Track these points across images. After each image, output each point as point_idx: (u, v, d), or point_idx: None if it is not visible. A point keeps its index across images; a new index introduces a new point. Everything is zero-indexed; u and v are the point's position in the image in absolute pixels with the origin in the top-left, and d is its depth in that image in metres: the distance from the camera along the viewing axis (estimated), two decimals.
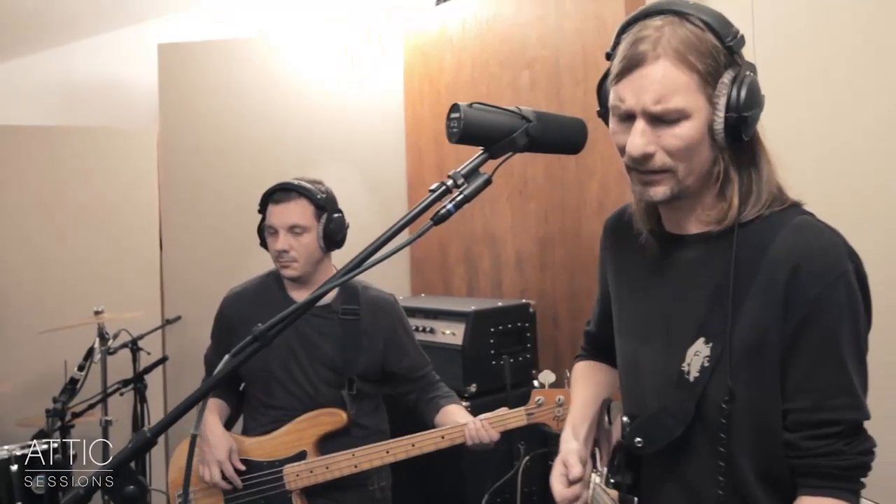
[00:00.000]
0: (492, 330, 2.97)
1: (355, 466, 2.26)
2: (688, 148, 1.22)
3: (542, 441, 2.70)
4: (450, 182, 1.24)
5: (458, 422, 2.29)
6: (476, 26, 3.69)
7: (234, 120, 3.92)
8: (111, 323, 3.44)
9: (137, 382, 3.33)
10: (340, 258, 2.51)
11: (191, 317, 3.90)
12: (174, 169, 3.97)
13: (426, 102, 4.00)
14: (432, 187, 1.25)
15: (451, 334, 2.96)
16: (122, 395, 3.31)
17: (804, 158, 1.88)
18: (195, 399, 1.16)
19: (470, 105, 1.25)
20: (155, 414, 3.62)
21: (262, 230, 2.44)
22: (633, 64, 1.21)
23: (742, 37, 1.25)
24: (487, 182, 1.26)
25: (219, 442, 2.31)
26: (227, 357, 1.16)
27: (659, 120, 1.22)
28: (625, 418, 1.43)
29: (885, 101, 1.84)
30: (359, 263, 1.20)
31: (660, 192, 1.27)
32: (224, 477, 2.28)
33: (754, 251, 1.25)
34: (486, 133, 1.25)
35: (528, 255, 3.45)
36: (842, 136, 1.95)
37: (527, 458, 2.68)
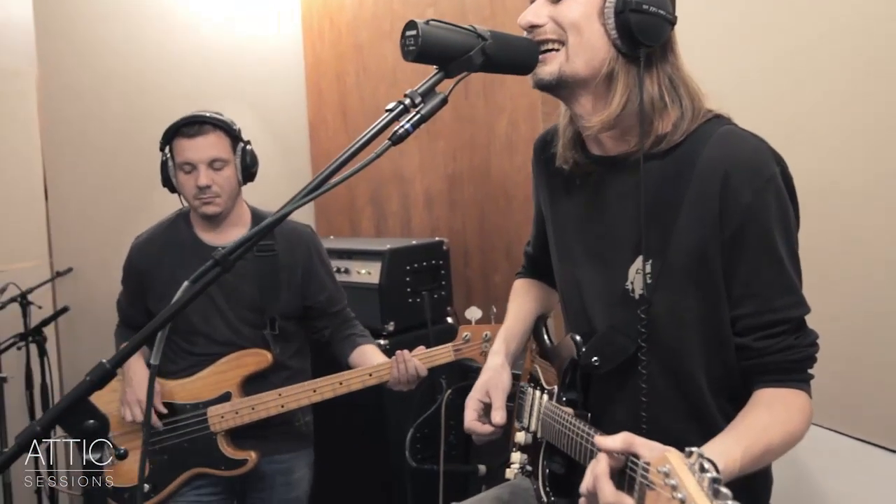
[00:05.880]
0: (407, 268, 2.97)
1: (282, 406, 2.23)
2: (574, 22, 1.30)
3: (463, 375, 2.73)
4: (407, 101, 1.22)
5: (376, 361, 2.30)
6: None
7: (121, 58, 3.69)
8: None
9: (36, 335, 3.16)
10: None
11: (83, 268, 3.70)
12: (56, 111, 3.71)
13: (326, 41, 3.91)
14: (389, 107, 1.23)
15: (367, 273, 2.95)
16: (19, 349, 3.13)
17: (724, 82, 1.95)
18: (153, 330, 1.11)
19: (427, 22, 1.23)
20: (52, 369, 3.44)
21: (165, 169, 2.30)
22: None
23: None
24: (444, 102, 1.25)
25: (141, 382, 2.24)
26: (186, 283, 1.12)
27: None
28: (577, 337, 1.46)
29: (790, 35, 1.93)
30: (320, 184, 1.18)
31: (546, 71, 1.33)
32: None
33: (683, 165, 1.30)
34: (442, 51, 1.23)
35: (437, 194, 3.46)
36: (762, 59, 2.03)
37: (449, 391, 2.72)
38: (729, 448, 1.13)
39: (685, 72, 1.35)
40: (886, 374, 1.83)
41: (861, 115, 1.84)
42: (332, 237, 3.78)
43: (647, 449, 1.05)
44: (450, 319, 3.08)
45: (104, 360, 1.07)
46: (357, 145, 1.20)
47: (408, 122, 1.21)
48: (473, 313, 2.26)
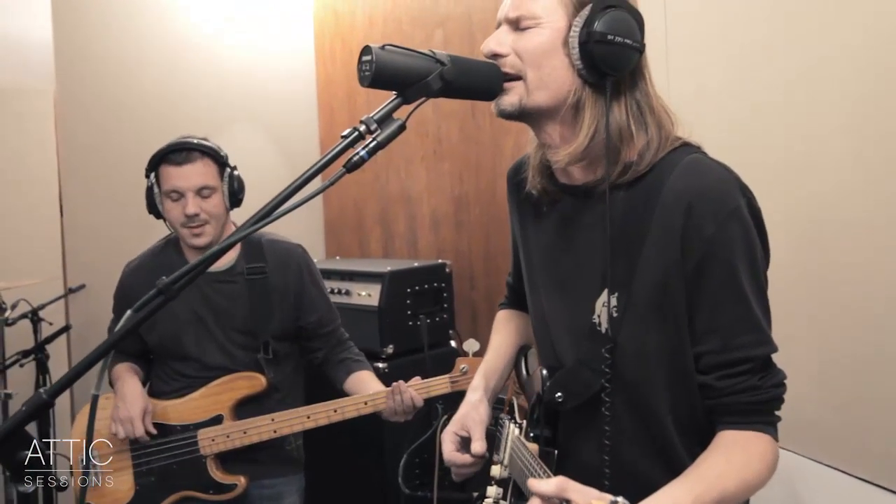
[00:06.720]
0: (408, 290, 2.94)
1: (274, 432, 2.20)
2: (536, 54, 1.25)
3: (460, 401, 2.69)
4: (362, 128, 1.19)
5: (372, 390, 2.26)
6: None
7: (137, 77, 3.74)
8: (9, 293, 3.26)
9: (38, 353, 3.18)
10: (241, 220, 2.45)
11: (96, 285, 3.72)
12: (73, 129, 3.77)
13: (338, 61, 3.92)
14: (344, 133, 1.20)
15: (367, 295, 2.92)
16: (22, 366, 3.15)
17: (713, 115, 1.90)
18: (95, 358, 1.09)
19: (382, 47, 1.20)
20: None
21: (150, 196, 2.26)
22: None
23: None
24: (401, 128, 1.22)
25: (134, 399, 2.21)
26: (129, 312, 1.10)
27: (517, 26, 1.27)
28: (543, 371, 1.42)
29: (794, 59, 1.87)
30: (267, 213, 1.15)
31: (507, 101, 1.28)
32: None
33: (649, 195, 1.25)
34: (399, 76, 1.21)
35: (443, 216, 3.43)
36: (752, 94, 1.97)
37: (445, 417, 2.67)
38: (680, 496, 1.09)
39: (654, 98, 1.30)
40: (892, 411, 1.74)
41: (862, 143, 1.78)
42: (337, 257, 3.77)
43: (580, 495, 1.00)
44: (453, 343, 3.05)
45: (41, 390, 1.06)
46: (309, 173, 1.17)
47: (363, 149, 1.18)
48: (471, 346, 2.22)
